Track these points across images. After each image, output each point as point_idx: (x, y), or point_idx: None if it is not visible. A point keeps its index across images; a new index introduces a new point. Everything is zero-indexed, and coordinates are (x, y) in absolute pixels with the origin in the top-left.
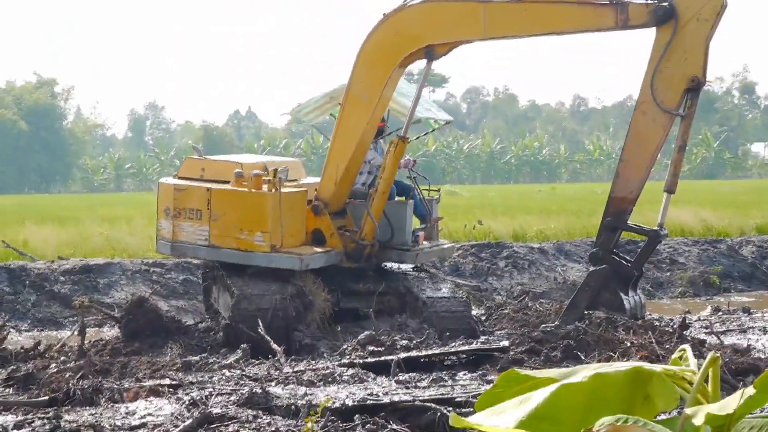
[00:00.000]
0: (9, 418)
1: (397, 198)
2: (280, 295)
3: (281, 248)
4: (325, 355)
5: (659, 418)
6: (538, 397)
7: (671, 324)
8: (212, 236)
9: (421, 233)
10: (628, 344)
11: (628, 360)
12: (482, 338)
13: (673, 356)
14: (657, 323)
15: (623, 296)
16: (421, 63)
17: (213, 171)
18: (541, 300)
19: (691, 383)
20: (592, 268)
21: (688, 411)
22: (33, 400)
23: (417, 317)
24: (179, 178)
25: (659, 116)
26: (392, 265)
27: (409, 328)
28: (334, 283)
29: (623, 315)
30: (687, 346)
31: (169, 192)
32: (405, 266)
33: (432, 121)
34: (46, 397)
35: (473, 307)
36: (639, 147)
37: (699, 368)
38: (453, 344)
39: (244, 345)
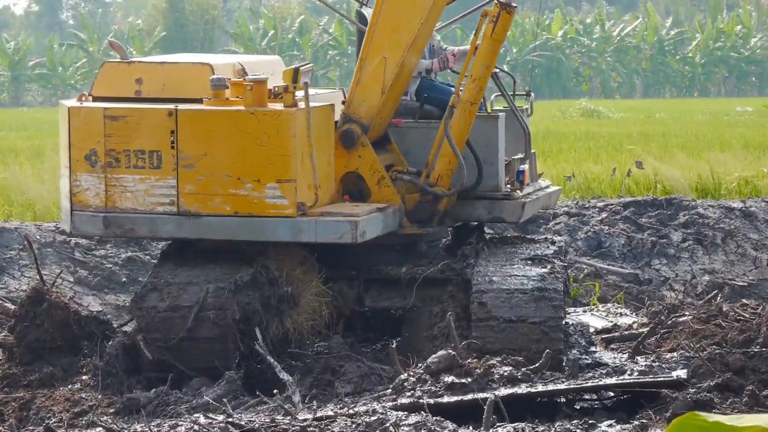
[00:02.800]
0: None
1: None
2: (218, 283)
3: (314, 207)
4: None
5: None
6: None
7: None
8: (184, 196)
9: (526, 168)
10: None
11: None
12: (642, 364)
13: None
14: None
15: None
16: None
17: (158, 82)
18: (744, 300)
19: None
20: None
21: None
22: None
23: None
24: (97, 98)
25: None
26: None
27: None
28: (354, 264)
29: None
30: None
31: (94, 122)
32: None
33: None
34: None
35: (628, 313)
36: None
37: None
38: (591, 374)
39: (230, 373)
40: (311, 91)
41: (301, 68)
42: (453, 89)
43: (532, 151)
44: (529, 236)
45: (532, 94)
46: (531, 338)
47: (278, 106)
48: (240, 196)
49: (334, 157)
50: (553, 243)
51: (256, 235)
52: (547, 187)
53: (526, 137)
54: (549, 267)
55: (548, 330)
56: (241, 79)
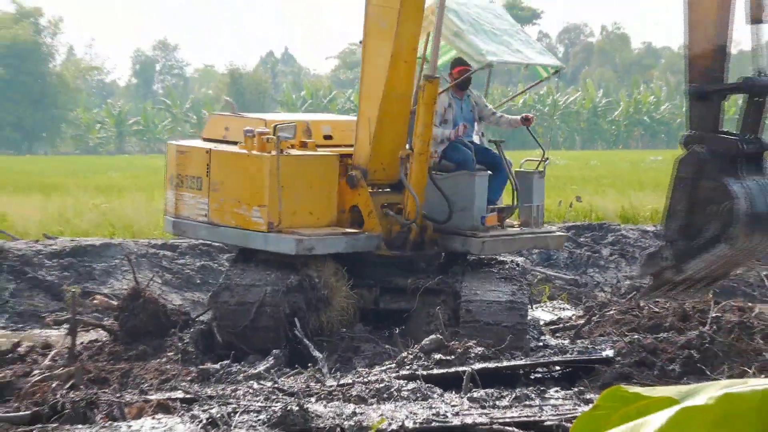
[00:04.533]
0: None
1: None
2: (274, 286)
3: (279, 226)
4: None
5: None
6: (651, 424)
7: None
8: (212, 211)
9: (492, 215)
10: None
11: (766, 377)
12: (580, 346)
13: None
14: None
15: (729, 179)
16: None
17: (235, 129)
18: (657, 299)
19: None
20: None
21: None
22: (11, 414)
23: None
24: (204, 139)
25: None
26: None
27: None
28: (373, 276)
29: (735, 205)
30: None
31: (172, 155)
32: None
33: (541, 68)
34: (28, 412)
35: (569, 307)
36: None
37: None
38: (542, 354)
39: (276, 351)
40: None
41: (277, 126)
42: (469, 151)
43: (536, 204)
44: (500, 258)
45: (548, 159)
46: (503, 337)
47: (264, 152)
48: (240, 214)
49: (336, 193)
50: (517, 265)
51: (246, 243)
52: (545, 232)
53: (516, 192)
54: (518, 285)
55: (516, 332)
56: (256, 131)
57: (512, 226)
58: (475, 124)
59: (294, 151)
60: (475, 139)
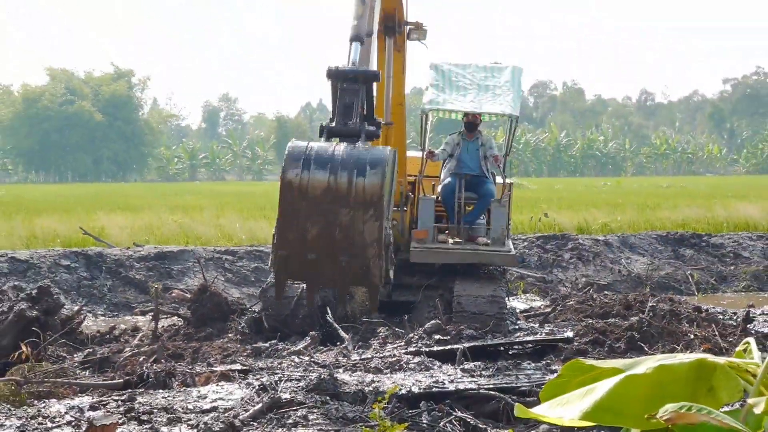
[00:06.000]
0: (85, 400)
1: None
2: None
3: None
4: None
5: (722, 410)
6: (602, 388)
7: (735, 317)
8: None
9: (421, 230)
10: (692, 336)
11: (691, 352)
12: (547, 329)
13: (737, 349)
14: (720, 316)
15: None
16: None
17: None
18: (606, 292)
19: (754, 375)
20: None
21: (750, 401)
22: (108, 382)
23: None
24: None
25: None
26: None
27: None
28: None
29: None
30: (751, 339)
31: None
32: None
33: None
34: (121, 380)
35: (539, 299)
36: None
37: (763, 361)
38: (518, 335)
39: (312, 333)
40: None
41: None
42: (450, 186)
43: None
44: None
45: (510, 191)
46: (487, 323)
47: None
48: None
49: None
50: (498, 267)
51: None
52: (438, 248)
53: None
54: (498, 283)
55: (497, 320)
56: None
57: (485, 243)
58: (482, 160)
59: None
60: (485, 171)
